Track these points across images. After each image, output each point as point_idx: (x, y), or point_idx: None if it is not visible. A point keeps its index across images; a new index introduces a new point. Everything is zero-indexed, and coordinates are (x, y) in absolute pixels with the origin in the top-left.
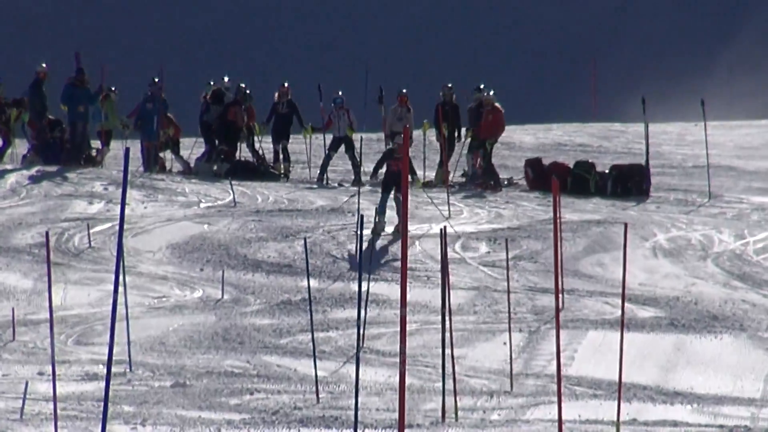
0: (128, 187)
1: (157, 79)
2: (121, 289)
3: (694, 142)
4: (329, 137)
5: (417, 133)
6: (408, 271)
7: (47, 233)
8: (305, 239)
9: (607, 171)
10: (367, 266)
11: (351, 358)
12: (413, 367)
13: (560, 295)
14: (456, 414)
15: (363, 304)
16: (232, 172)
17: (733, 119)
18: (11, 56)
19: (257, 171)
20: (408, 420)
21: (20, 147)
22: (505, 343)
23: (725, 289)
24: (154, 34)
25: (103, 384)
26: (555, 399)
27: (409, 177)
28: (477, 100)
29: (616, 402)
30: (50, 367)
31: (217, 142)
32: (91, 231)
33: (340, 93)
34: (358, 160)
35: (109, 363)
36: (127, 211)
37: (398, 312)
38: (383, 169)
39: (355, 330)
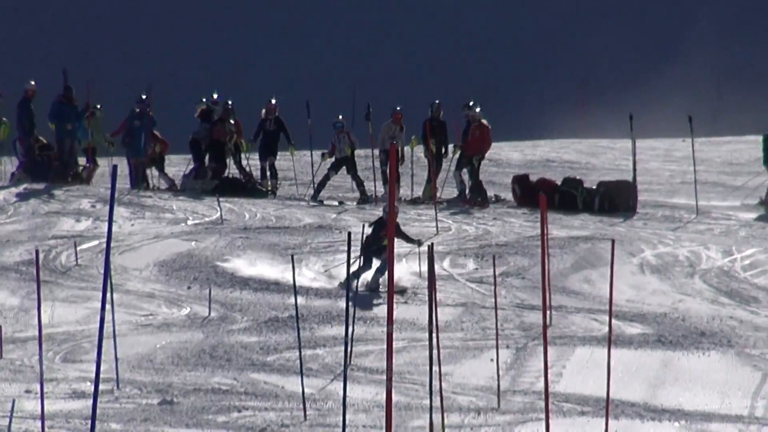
0: (115, 205)
1: (144, 96)
2: (108, 306)
3: (681, 158)
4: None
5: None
6: (395, 288)
7: (36, 251)
8: (292, 256)
9: (594, 187)
10: (355, 284)
11: (338, 376)
12: (400, 384)
13: (548, 312)
14: (443, 431)
15: (350, 321)
16: (219, 188)
17: (720, 135)
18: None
19: (245, 188)
20: None
21: (8, 164)
22: (492, 360)
23: (713, 305)
24: (143, 51)
25: (90, 402)
26: (543, 416)
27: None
28: (466, 116)
29: (603, 419)
30: (38, 385)
31: (207, 159)
32: (79, 248)
33: (341, 117)
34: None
35: (96, 381)
36: (114, 228)
37: (385, 329)
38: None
39: (343, 347)
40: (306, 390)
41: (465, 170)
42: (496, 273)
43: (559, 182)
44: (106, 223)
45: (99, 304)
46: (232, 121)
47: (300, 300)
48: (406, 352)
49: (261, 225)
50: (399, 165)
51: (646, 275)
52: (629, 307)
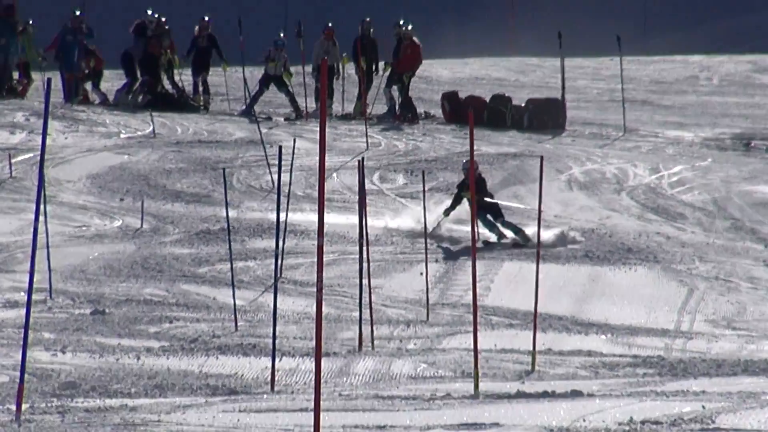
0: (49, 118)
1: (78, 12)
2: (41, 218)
3: (609, 77)
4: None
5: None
6: (326, 202)
7: None
8: (224, 170)
9: (523, 105)
10: (285, 196)
11: (269, 288)
12: (330, 297)
13: (476, 227)
14: (372, 343)
15: (281, 234)
16: (152, 103)
17: (648, 55)
18: None
19: (177, 103)
20: (325, 348)
21: None
22: (421, 274)
23: (640, 221)
24: None
25: (23, 311)
26: (471, 329)
27: None
28: (397, 34)
29: (531, 332)
30: None
31: (139, 73)
32: (13, 161)
33: (282, 35)
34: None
35: (29, 290)
36: (48, 141)
37: (316, 242)
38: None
39: (273, 260)
40: (237, 302)
41: (395, 87)
42: (426, 188)
43: (488, 99)
44: (40, 136)
45: (33, 216)
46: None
47: (231, 213)
48: (336, 265)
49: (193, 139)
50: (334, 80)
51: (573, 192)
52: (557, 222)
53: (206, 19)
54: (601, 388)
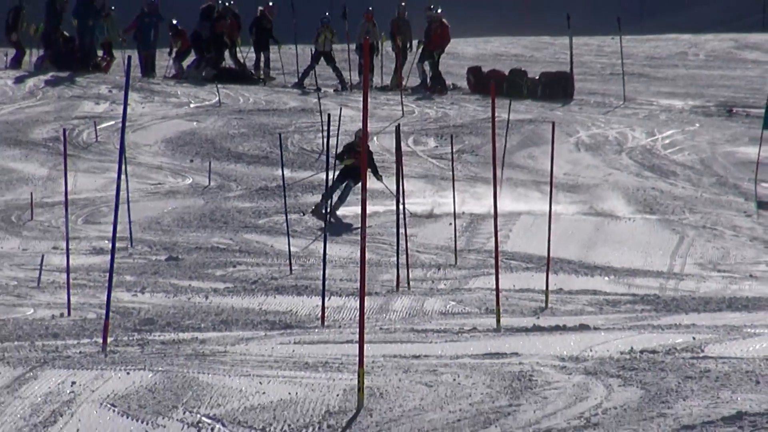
0: (129, 90)
1: None
2: (123, 177)
3: (611, 53)
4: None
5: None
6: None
7: (64, 129)
8: (280, 134)
9: (537, 77)
10: (333, 157)
11: (319, 236)
12: (372, 244)
13: (498, 184)
14: (408, 284)
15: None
16: (218, 77)
17: (644, 34)
18: None
19: (239, 76)
20: (368, 289)
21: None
22: (450, 224)
23: (637, 178)
24: None
25: (108, 257)
26: (493, 271)
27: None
28: (428, 17)
29: (545, 274)
30: (63, 243)
31: (206, 50)
32: (98, 128)
33: (327, 14)
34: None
35: (113, 240)
36: (128, 110)
37: (360, 196)
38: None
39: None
40: (291, 248)
41: (427, 62)
42: (453, 150)
43: (507, 73)
44: (121, 106)
45: (115, 175)
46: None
47: (286, 172)
48: (377, 216)
49: (253, 108)
50: (374, 56)
51: (581, 152)
52: (566, 180)
53: (271, 4)
54: (605, 322)
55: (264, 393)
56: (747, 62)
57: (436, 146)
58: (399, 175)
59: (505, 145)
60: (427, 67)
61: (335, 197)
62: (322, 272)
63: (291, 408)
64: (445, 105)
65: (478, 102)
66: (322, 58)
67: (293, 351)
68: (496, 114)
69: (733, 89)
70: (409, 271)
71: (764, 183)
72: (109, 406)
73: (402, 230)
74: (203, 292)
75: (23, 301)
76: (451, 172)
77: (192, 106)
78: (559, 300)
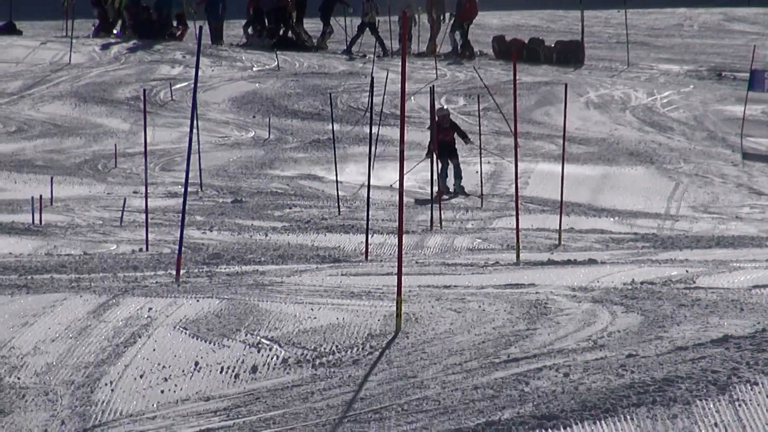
0: (200, 56)
1: None
2: (194, 130)
3: (617, 24)
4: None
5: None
6: (405, 118)
7: (143, 89)
8: (330, 94)
9: (552, 45)
10: (377, 114)
11: (364, 183)
12: (409, 189)
13: (518, 137)
14: (440, 223)
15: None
16: (276, 44)
17: (645, 7)
18: None
19: (295, 44)
20: (405, 228)
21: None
22: (477, 172)
23: (639, 132)
24: None
25: (181, 200)
26: (514, 213)
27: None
28: None
29: (558, 215)
30: (143, 188)
31: (267, 22)
32: (173, 88)
33: None
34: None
35: (185, 184)
36: (199, 73)
37: (398, 148)
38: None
39: (367, 161)
40: (340, 193)
41: (457, 32)
42: (480, 108)
43: (526, 41)
44: (194, 69)
45: (188, 129)
46: None
47: (336, 126)
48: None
49: (307, 71)
50: (412, 27)
51: (590, 110)
52: (577, 134)
53: None
54: (611, 257)
55: (315, 318)
56: (734, 33)
57: (465, 104)
58: (433, 129)
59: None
60: (457, 36)
61: (452, 176)
62: (366, 213)
63: (338, 331)
64: (473, 69)
65: (502, 66)
66: (367, 29)
67: (340, 282)
68: (517, 77)
69: (722, 56)
70: (441, 212)
71: (749, 137)
72: (181, 329)
73: (435, 176)
74: (263, 231)
75: (108, 238)
76: (478, 127)
77: (254, 69)
78: (570, 238)
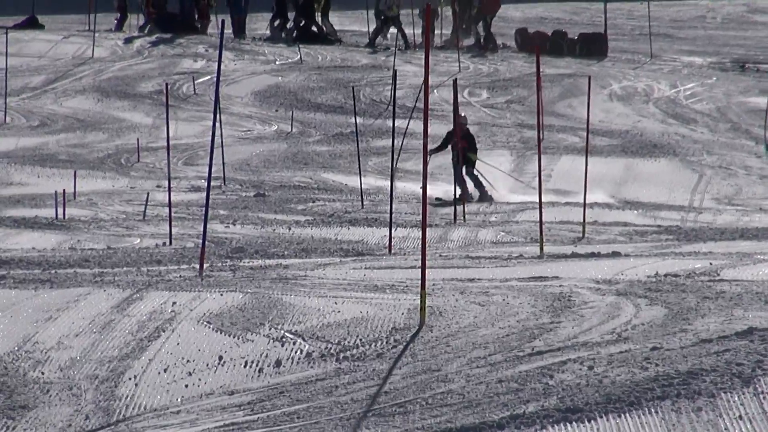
0: (223, 49)
1: None
2: (217, 124)
3: (639, 16)
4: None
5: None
6: (429, 111)
7: (166, 83)
8: (353, 88)
9: (576, 38)
10: (399, 107)
11: (387, 176)
12: (432, 183)
13: (541, 130)
14: (464, 216)
15: (395, 135)
16: (299, 38)
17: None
18: None
19: (318, 37)
20: (429, 221)
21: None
22: (500, 164)
23: (662, 124)
24: None
25: (204, 194)
26: (537, 206)
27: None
28: None
29: (582, 208)
30: (166, 182)
31: (291, 15)
32: (196, 82)
33: None
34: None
35: (208, 178)
36: (222, 66)
37: (421, 142)
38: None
39: (390, 155)
40: (363, 186)
41: (481, 25)
42: (503, 100)
43: (550, 34)
44: (216, 63)
45: (211, 123)
46: None
47: (358, 120)
48: (437, 158)
49: (330, 65)
50: (435, 20)
51: (613, 102)
52: (601, 126)
53: None
54: (634, 250)
55: (339, 312)
56: (757, 24)
57: (488, 97)
58: (455, 123)
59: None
60: (480, 29)
61: (471, 186)
62: (389, 206)
63: (362, 325)
64: (496, 62)
65: (524, 59)
66: (390, 22)
67: (364, 275)
68: (540, 69)
69: (745, 48)
70: (465, 206)
71: None
72: (204, 323)
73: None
74: (286, 224)
75: (131, 232)
76: (502, 120)
77: (277, 63)
78: (594, 231)
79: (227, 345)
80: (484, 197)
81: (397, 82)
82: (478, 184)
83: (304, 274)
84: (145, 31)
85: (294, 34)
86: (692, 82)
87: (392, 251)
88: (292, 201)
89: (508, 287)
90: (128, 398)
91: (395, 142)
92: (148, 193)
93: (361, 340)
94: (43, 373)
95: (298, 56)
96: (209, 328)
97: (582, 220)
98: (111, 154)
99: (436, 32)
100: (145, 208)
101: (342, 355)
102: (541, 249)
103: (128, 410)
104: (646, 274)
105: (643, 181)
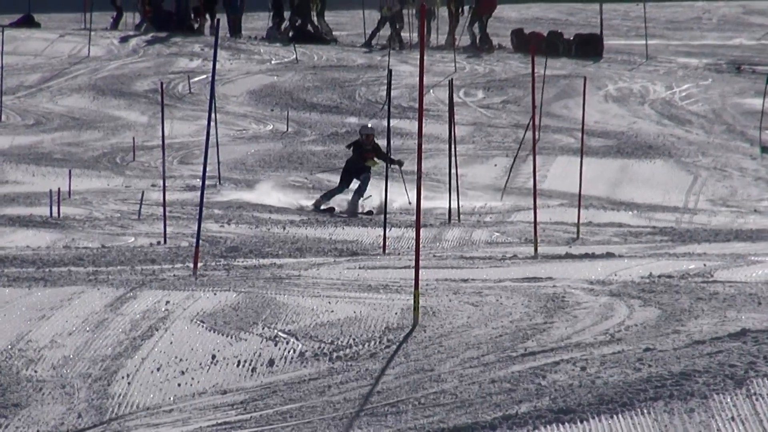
0: (218, 49)
1: None
2: (212, 123)
3: (635, 17)
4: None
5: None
6: (424, 111)
7: (161, 82)
8: (348, 87)
9: (571, 38)
10: (395, 107)
11: (381, 174)
12: (427, 183)
13: (537, 130)
14: (459, 216)
15: (391, 134)
16: (295, 37)
17: (665, 0)
18: None
19: (314, 37)
20: (423, 221)
21: (129, 18)
22: (495, 165)
23: (658, 126)
24: None
25: (199, 193)
26: (532, 206)
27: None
28: None
29: (577, 209)
30: (161, 181)
31: (289, 14)
32: (191, 81)
33: None
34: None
35: (203, 178)
36: (217, 66)
37: (416, 141)
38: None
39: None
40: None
41: (476, 25)
42: (499, 101)
43: (545, 34)
44: (212, 62)
45: (206, 122)
46: None
47: (353, 119)
48: (432, 158)
49: (326, 64)
50: (431, 20)
51: (609, 103)
52: (596, 127)
53: None
54: (629, 251)
55: (332, 311)
56: (753, 26)
57: (484, 97)
58: (451, 123)
59: (541, 97)
60: (476, 29)
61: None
62: (384, 207)
63: (356, 324)
64: (491, 62)
65: (520, 59)
66: (386, 23)
67: (358, 275)
68: (536, 70)
69: (741, 49)
70: (460, 206)
71: None
72: (198, 322)
73: (453, 170)
74: (281, 224)
75: (126, 231)
76: (497, 120)
77: (273, 62)
78: (588, 231)
79: (220, 344)
80: (350, 212)
81: (393, 82)
82: (355, 203)
83: (298, 274)
84: (141, 30)
85: (290, 34)
86: (688, 84)
87: (386, 251)
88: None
89: (502, 288)
90: (121, 397)
91: (391, 141)
92: (143, 192)
93: (354, 339)
94: (36, 372)
95: (294, 56)
96: (202, 327)
97: (577, 221)
98: (106, 153)
99: (431, 32)
100: (140, 206)
101: (335, 354)
102: (536, 249)
103: (121, 409)
104: (639, 275)
105: (639, 182)
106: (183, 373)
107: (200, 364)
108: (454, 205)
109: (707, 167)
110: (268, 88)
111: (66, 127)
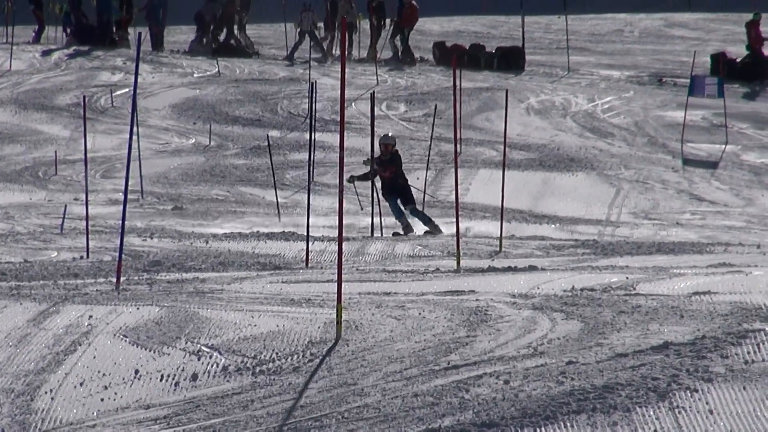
0: (141, 62)
1: None
2: (135, 137)
3: (557, 30)
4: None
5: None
6: (346, 125)
7: (84, 96)
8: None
9: (493, 51)
10: (317, 120)
11: (303, 189)
12: (349, 196)
13: (458, 143)
14: (381, 230)
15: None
16: (217, 51)
17: (585, 13)
18: None
19: (235, 50)
20: (346, 235)
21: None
22: (418, 179)
23: (580, 138)
24: None
25: (121, 207)
26: (454, 219)
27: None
28: None
29: (499, 222)
30: (83, 195)
31: (212, 28)
32: (113, 95)
33: None
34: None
35: (125, 191)
36: (139, 79)
37: (338, 155)
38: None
39: (307, 168)
40: (280, 199)
41: (398, 38)
42: (421, 114)
43: (467, 47)
44: (134, 76)
45: (128, 135)
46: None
47: (275, 133)
48: (354, 171)
49: (248, 78)
50: (353, 33)
51: (531, 116)
52: (518, 140)
53: None
54: (551, 264)
55: (255, 326)
56: (674, 38)
57: (406, 110)
58: (372, 136)
59: (460, 110)
60: (398, 42)
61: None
62: (306, 220)
63: (279, 338)
64: (413, 75)
65: (443, 72)
66: (306, 36)
67: (281, 289)
68: (457, 83)
69: (662, 62)
70: (382, 219)
71: (689, 143)
72: (121, 336)
73: (377, 185)
74: (204, 238)
75: (48, 246)
76: (420, 133)
77: (195, 76)
78: (511, 245)
79: (143, 359)
80: (436, 230)
81: (315, 94)
82: (426, 220)
83: (221, 288)
84: (63, 44)
85: (212, 47)
86: (610, 96)
87: (309, 265)
88: (210, 214)
89: (425, 301)
90: (44, 412)
91: (313, 155)
92: (65, 206)
93: (277, 353)
94: None
95: (216, 69)
96: (125, 341)
97: (499, 234)
98: (28, 167)
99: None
100: (63, 221)
101: (258, 368)
102: (458, 263)
103: (44, 424)
104: (562, 288)
105: (561, 195)
106: (106, 387)
107: (123, 379)
108: (376, 218)
109: (629, 180)
110: (190, 101)
111: None
